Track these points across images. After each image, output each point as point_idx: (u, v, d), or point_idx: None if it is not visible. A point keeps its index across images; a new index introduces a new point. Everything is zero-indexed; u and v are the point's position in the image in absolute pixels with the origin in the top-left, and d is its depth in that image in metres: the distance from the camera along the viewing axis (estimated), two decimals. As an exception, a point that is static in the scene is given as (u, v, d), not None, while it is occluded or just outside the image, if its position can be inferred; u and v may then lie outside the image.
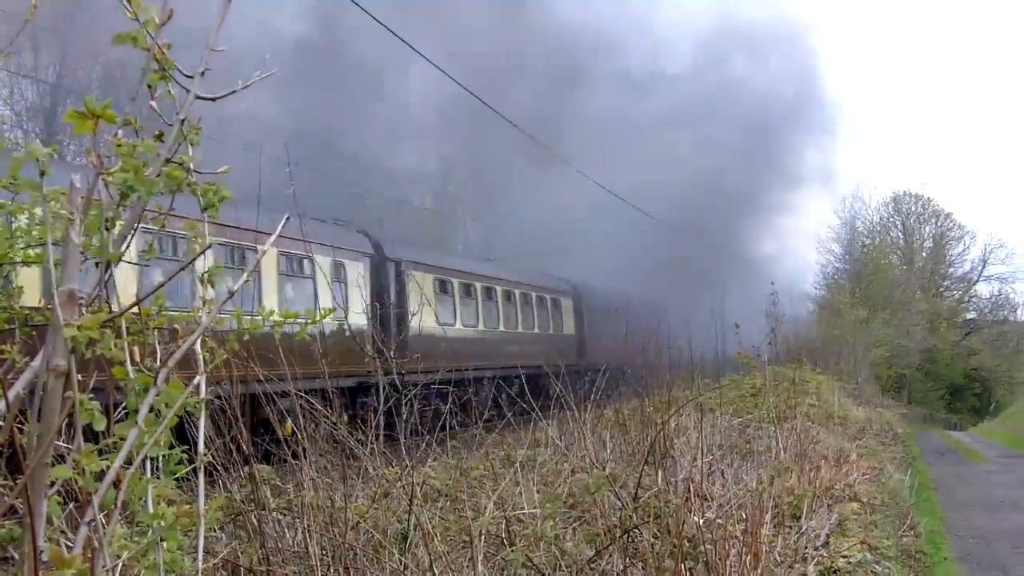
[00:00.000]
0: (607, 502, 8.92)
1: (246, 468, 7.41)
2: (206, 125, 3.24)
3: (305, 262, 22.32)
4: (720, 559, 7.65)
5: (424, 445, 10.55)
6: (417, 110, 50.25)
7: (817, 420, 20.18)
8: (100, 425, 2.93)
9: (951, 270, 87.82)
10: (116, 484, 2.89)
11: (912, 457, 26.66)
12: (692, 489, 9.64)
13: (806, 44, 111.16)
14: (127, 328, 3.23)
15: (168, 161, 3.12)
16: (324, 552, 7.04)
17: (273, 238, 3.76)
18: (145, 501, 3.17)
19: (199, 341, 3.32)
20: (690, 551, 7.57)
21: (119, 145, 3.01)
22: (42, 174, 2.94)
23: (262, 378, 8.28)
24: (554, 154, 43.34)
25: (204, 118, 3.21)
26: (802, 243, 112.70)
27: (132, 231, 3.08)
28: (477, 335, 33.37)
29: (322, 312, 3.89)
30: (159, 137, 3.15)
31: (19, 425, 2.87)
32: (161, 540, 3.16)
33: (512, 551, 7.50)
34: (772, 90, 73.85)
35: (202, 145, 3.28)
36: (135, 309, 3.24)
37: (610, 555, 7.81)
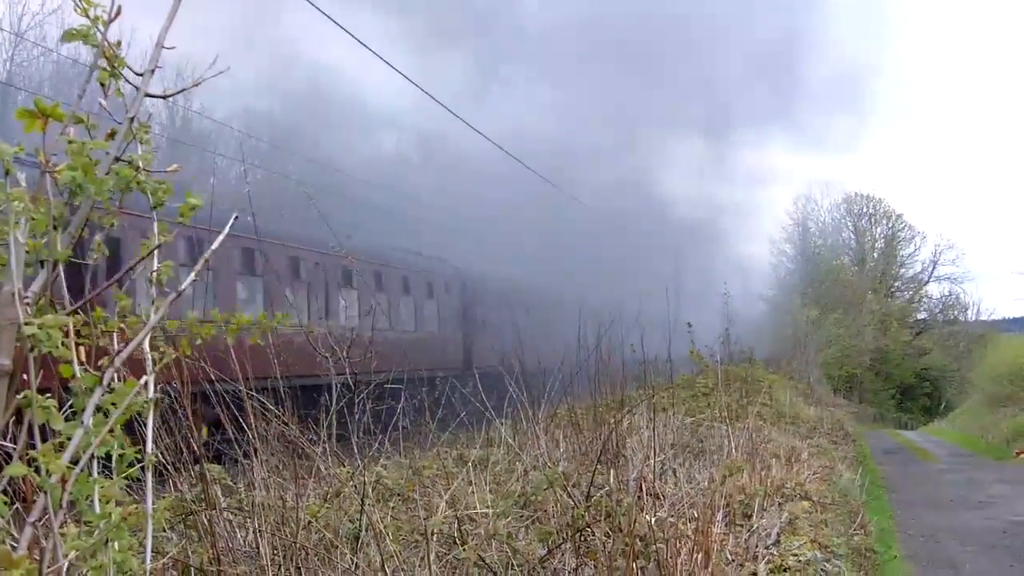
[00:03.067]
0: (560, 501, 8.94)
1: (197, 467, 7.38)
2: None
3: None
4: (671, 558, 7.68)
5: (376, 444, 10.53)
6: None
7: (769, 419, 20.29)
8: (57, 424, 2.92)
9: (902, 271, 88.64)
10: (62, 483, 2.88)
11: (863, 456, 26.87)
12: (644, 488, 9.68)
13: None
14: (77, 330, 3.21)
15: (118, 159, 3.11)
16: (275, 552, 7.01)
17: (223, 235, 3.74)
18: (92, 501, 3.16)
19: (148, 341, 3.30)
20: (642, 550, 7.60)
21: (69, 143, 3.00)
22: (7, 173, 2.92)
23: (213, 377, 8.24)
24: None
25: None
26: (755, 244, 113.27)
27: (80, 230, 3.06)
28: None
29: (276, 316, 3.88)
30: (111, 135, 3.14)
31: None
32: (108, 541, 3.14)
33: (464, 550, 7.50)
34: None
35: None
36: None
37: (562, 554, 7.83)
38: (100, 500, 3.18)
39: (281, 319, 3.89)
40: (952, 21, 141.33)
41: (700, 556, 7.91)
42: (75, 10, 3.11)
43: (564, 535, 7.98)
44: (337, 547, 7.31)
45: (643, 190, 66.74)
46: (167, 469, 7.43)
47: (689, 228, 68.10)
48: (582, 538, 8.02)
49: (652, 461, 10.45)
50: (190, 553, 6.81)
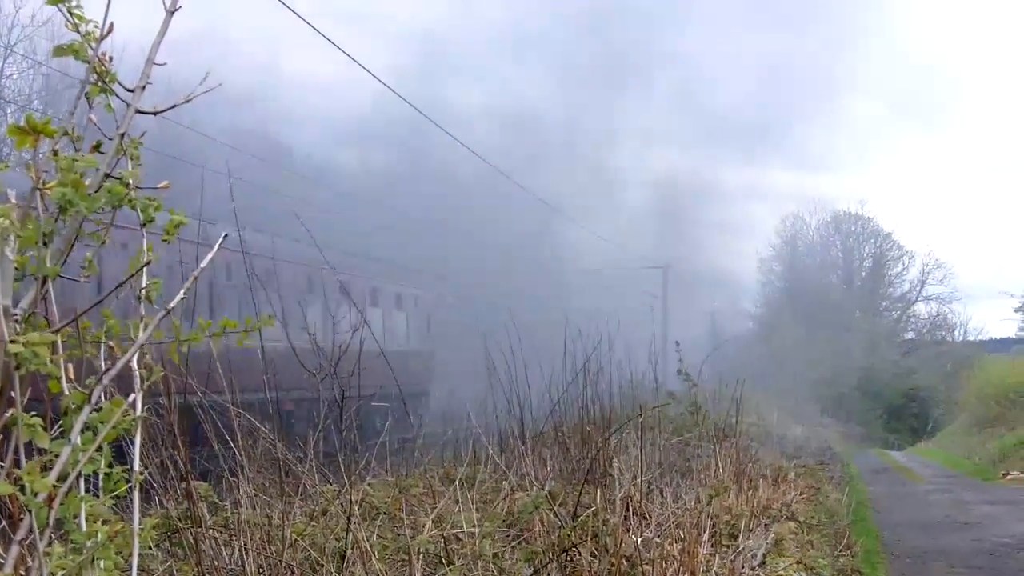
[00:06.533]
0: (546, 520, 8.92)
1: (183, 485, 7.35)
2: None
3: None
4: (658, 578, 7.67)
5: (363, 462, 10.50)
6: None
7: (756, 439, 20.31)
8: (43, 442, 2.90)
9: (890, 290, 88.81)
10: (49, 502, 2.86)
11: (850, 476, 26.86)
12: (631, 508, 9.67)
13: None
14: (65, 343, 3.20)
15: (108, 176, 3.10)
16: (261, 570, 7.00)
17: (212, 253, 3.73)
18: (78, 520, 3.14)
19: (136, 358, 3.29)
20: (628, 570, 7.60)
21: (56, 156, 2.99)
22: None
23: (199, 392, 8.21)
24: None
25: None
26: (743, 262, 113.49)
27: (69, 246, 3.05)
28: None
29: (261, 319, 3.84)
30: (96, 148, 3.13)
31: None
32: (95, 559, 3.13)
33: (450, 570, 7.49)
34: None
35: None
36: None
37: (548, 574, 7.82)
38: (87, 519, 3.17)
39: (267, 320, 3.86)
40: (940, 38, 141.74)
41: (686, 576, 7.90)
42: (66, 26, 3.10)
43: (550, 555, 7.97)
44: (323, 565, 7.29)
45: (632, 206, 67.09)
46: (153, 487, 7.41)
47: (676, 245, 68.37)
48: (568, 558, 8.00)
49: (639, 481, 10.45)
50: (176, 571, 6.79)
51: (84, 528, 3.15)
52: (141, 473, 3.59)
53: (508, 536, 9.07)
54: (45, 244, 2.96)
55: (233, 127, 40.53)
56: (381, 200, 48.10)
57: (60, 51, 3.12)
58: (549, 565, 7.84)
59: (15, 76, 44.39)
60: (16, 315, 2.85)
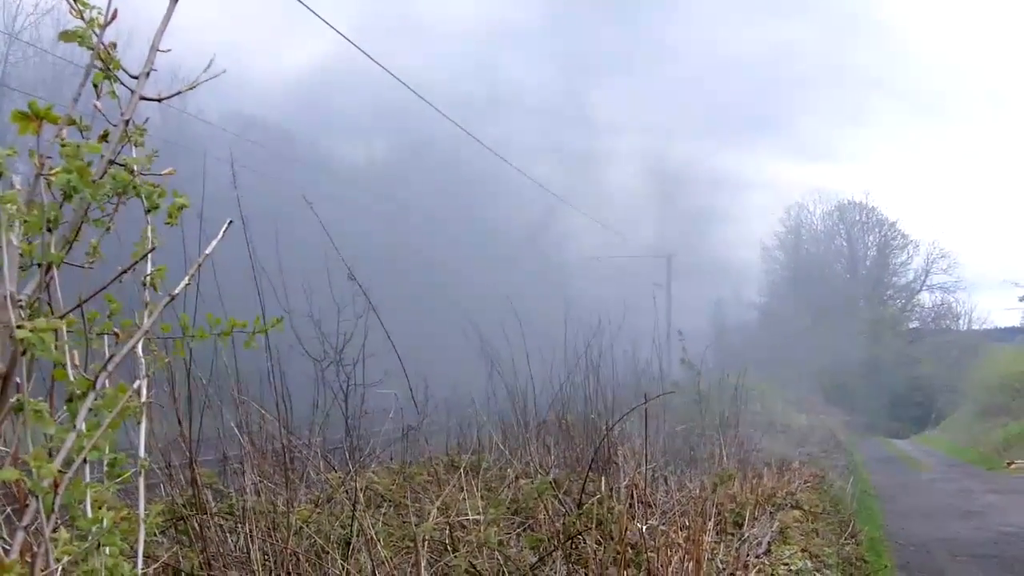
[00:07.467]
0: (551, 508, 8.93)
1: (188, 471, 7.35)
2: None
3: None
4: (662, 566, 7.67)
5: (368, 449, 10.50)
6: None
7: (760, 427, 20.32)
8: (49, 428, 2.90)
9: (895, 279, 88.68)
10: (55, 488, 2.86)
11: (854, 465, 26.87)
12: (635, 496, 9.67)
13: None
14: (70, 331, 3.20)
15: (112, 163, 3.09)
16: (266, 557, 6.99)
17: (217, 239, 3.72)
18: (84, 506, 3.14)
19: (140, 345, 3.29)
20: (633, 558, 7.60)
21: (63, 145, 2.98)
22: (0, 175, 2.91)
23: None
24: None
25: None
26: (747, 251, 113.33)
27: (75, 233, 3.05)
28: None
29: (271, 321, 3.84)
30: (104, 137, 3.12)
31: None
32: (100, 546, 3.13)
33: (455, 557, 7.48)
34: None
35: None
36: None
37: (553, 561, 7.83)
38: (92, 505, 3.17)
39: (276, 323, 3.85)
40: (946, 30, 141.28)
41: (691, 565, 7.90)
42: (70, 12, 3.10)
43: (555, 543, 7.97)
44: (328, 553, 7.29)
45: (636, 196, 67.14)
46: (159, 473, 7.41)
47: (680, 235, 68.32)
48: (573, 546, 8.01)
49: (643, 468, 10.45)
50: (181, 558, 6.79)
51: (90, 514, 3.15)
52: (145, 461, 3.60)
53: (513, 523, 9.07)
54: (50, 230, 2.96)
55: (233, 112, 40.58)
56: (378, 188, 48.14)
57: (67, 36, 3.12)
58: (554, 552, 7.84)
59: (20, 63, 44.38)
60: (21, 301, 2.84)
